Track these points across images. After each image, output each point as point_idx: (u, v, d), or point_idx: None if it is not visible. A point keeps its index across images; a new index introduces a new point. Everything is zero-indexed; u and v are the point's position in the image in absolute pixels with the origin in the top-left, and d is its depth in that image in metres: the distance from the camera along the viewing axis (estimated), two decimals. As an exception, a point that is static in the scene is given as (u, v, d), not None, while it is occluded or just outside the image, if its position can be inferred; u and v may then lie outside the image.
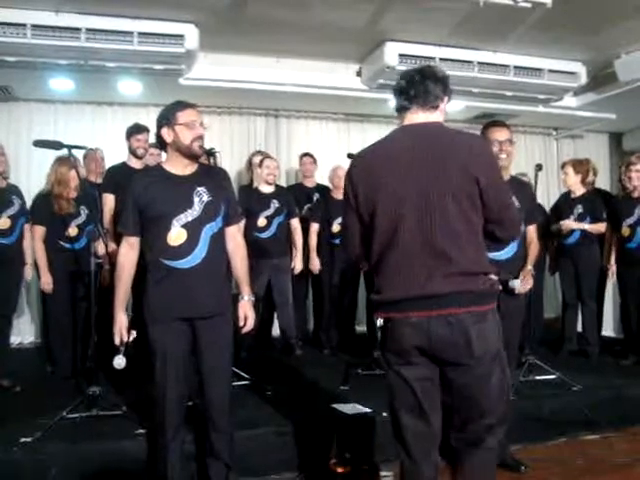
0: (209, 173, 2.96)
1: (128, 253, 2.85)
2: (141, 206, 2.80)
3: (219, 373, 2.88)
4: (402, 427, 2.18)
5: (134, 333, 2.84)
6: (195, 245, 2.77)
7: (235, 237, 3.01)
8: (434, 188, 2.06)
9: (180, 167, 2.85)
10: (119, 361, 2.82)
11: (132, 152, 4.88)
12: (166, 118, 2.83)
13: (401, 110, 2.25)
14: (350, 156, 4.89)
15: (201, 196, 2.81)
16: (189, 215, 2.77)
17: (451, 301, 2.04)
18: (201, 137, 2.81)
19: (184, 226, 2.76)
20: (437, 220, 2.05)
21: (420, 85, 2.18)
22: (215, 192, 2.85)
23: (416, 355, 2.10)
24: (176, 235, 2.75)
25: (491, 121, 3.46)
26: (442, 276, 2.05)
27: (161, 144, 2.89)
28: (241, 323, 2.96)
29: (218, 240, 2.86)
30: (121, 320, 2.82)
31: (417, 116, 2.21)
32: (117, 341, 2.81)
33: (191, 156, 2.83)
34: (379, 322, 2.18)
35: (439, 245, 2.05)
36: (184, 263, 2.76)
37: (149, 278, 2.84)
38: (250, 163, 5.91)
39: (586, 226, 5.28)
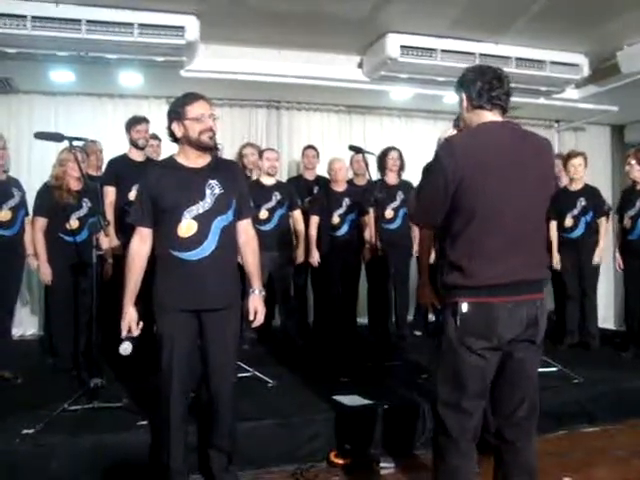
0: (222, 166, 2.96)
1: (140, 246, 2.85)
2: (153, 197, 2.80)
3: (224, 366, 2.89)
4: (465, 412, 2.24)
5: (141, 324, 2.84)
6: (205, 237, 2.77)
7: (247, 231, 3.00)
8: (532, 184, 2.23)
9: (192, 159, 2.85)
10: (125, 346, 2.79)
11: (133, 143, 4.89)
12: (176, 112, 2.82)
13: (477, 108, 2.33)
14: (352, 148, 4.90)
15: (213, 189, 2.81)
16: (200, 207, 2.78)
17: (538, 287, 2.27)
18: (210, 129, 2.80)
19: (195, 218, 2.77)
20: (532, 213, 2.26)
21: (499, 89, 2.30)
22: (227, 185, 2.85)
23: (503, 338, 2.19)
24: (186, 227, 2.76)
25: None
26: (533, 264, 2.25)
27: (172, 137, 2.88)
28: (251, 317, 2.95)
29: (229, 233, 2.86)
30: (130, 313, 2.82)
31: (495, 116, 2.31)
32: (124, 333, 2.80)
33: (202, 148, 2.83)
34: (464, 307, 2.20)
35: (532, 236, 2.26)
36: (193, 255, 2.76)
37: (159, 269, 2.85)
38: (240, 155, 5.87)
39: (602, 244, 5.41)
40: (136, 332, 2.82)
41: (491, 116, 2.30)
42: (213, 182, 2.82)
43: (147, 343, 2.92)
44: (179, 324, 2.81)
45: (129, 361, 3.11)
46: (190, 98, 2.82)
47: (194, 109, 2.79)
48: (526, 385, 2.29)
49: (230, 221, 2.87)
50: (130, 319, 2.81)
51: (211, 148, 2.87)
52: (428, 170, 2.38)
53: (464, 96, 2.36)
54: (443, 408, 2.29)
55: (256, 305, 2.95)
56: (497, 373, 2.27)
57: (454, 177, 2.17)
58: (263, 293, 3.01)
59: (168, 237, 2.79)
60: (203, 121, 2.78)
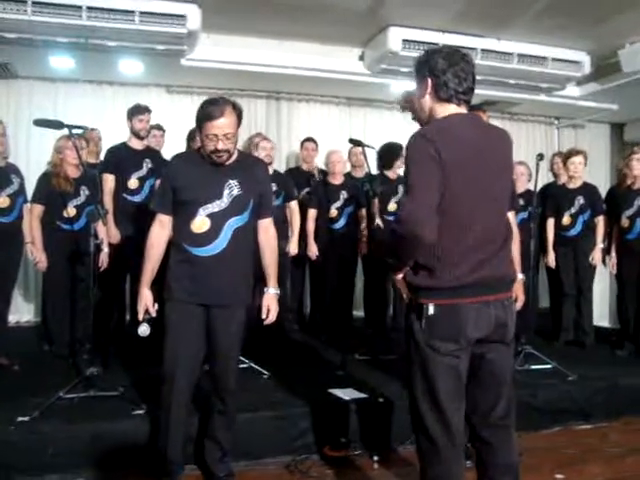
0: (246, 165, 2.94)
1: (160, 232, 2.89)
2: (174, 189, 2.83)
3: (228, 358, 2.91)
4: (445, 414, 2.16)
5: (156, 305, 2.88)
6: (216, 235, 2.79)
7: (267, 230, 3.03)
8: (496, 180, 2.17)
9: None
10: (144, 328, 2.81)
11: (134, 133, 4.85)
12: (198, 121, 2.78)
13: (443, 100, 2.21)
14: (352, 141, 4.88)
15: (231, 189, 2.82)
16: (216, 206, 2.79)
17: (504, 285, 2.21)
18: (218, 151, 2.75)
19: (209, 216, 2.78)
20: (496, 209, 2.19)
21: (467, 84, 2.19)
22: (247, 186, 2.85)
23: (471, 339, 2.14)
24: (199, 223, 2.79)
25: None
26: (499, 262, 2.17)
27: None
28: (264, 315, 2.97)
29: (242, 233, 2.86)
30: (146, 296, 2.85)
31: (459, 108, 2.22)
32: (140, 317, 2.84)
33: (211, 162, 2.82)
34: (430, 309, 2.13)
35: (497, 232, 2.19)
36: (204, 251, 2.79)
37: (172, 258, 2.89)
38: (250, 144, 5.84)
39: (600, 246, 5.36)
40: (154, 313, 2.85)
41: (456, 108, 2.20)
42: (233, 182, 2.82)
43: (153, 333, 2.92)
44: (186, 313, 2.83)
45: (126, 350, 3.12)
46: (209, 115, 2.72)
47: (208, 129, 2.73)
48: (500, 385, 2.23)
49: (245, 222, 2.88)
50: (147, 301, 2.85)
51: (218, 164, 2.82)
52: (414, 164, 2.13)
53: (430, 83, 2.20)
54: (421, 409, 2.21)
55: (269, 304, 2.99)
56: (470, 375, 2.22)
57: (442, 164, 2.04)
58: (278, 292, 3.03)
59: (182, 230, 2.83)
60: (214, 141, 2.73)
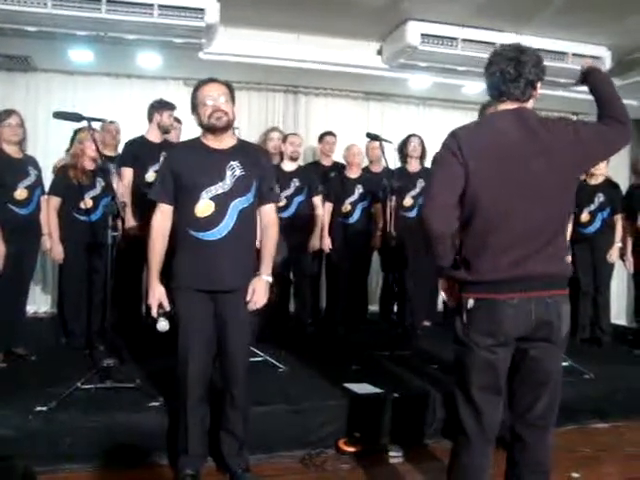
0: (246, 149, 2.96)
1: (161, 222, 2.87)
2: (175, 175, 2.82)
3: (238, 348, 2.90)
4: (477, 407, 2.20)
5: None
6: (222, 218, 2.77)
7: (269, 215, 2.99)
8: (546, 174, 2.11)
9: (216, 142, 2.86)
10: (163, 324, 2.81)
11: (162, 127, 4.83)
12: (192, 103, 2.86)
13: (494, 98, 2.27)
14: (369, 135, 4.86)
15: (233, 170, 2.81)
16: (219, 188, 2.78)
17: (549, 283, 2.15)
18: (218, 110, 2.78)
19: (212, 198, 2.77)
20: (545, 204, 2.12)
21: (514, 82, 2.18)
22: (249, 168, 2.84)
23: (509, 335, 2.14)
24: (203, 207, 2.77)
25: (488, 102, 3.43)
26: (543, 259, 2.12)
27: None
28: (248, 297, 2.86)
29: (247, 216, 2.86)
30: (159, 290, 2.82)
31: (507, 105, 2.23)
32: (154, 312, 2.82)
33: (212, 130, 2.82)
34: (470, 303, 2.17)
35: (545, 228, 2.14)
36: (210, 235, 2.78)
37: (177, 248, 2.87)
38: (265, 139, 5.84)
39: (619, 244, 5.29)
40: (168, 307, 2.83)
41: (503, 105, 2.23)
42: (234, 163, 2.82)
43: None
44: (195, 305, 2.83)
45: (142, 342, 3.12)
46: (199, 84, 2.85)
47: (201, 94, 2.80)
48: (542, 385, 2.22)
49: (250, 203, 2.87)
50: (159, 295, 2.82)
51: (221, 129, 2.83)
52: (435, 161, 2.32)
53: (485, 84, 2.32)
54: (457, 400, 2.26)
55: (255, 286, 2.87)
56: (513, 370, 2.23)
57: (464, 173, 2.13)
58: (269, 280, 2.95)
59: (186, 216, 2.82)
60: (210, 104, 2.78)
